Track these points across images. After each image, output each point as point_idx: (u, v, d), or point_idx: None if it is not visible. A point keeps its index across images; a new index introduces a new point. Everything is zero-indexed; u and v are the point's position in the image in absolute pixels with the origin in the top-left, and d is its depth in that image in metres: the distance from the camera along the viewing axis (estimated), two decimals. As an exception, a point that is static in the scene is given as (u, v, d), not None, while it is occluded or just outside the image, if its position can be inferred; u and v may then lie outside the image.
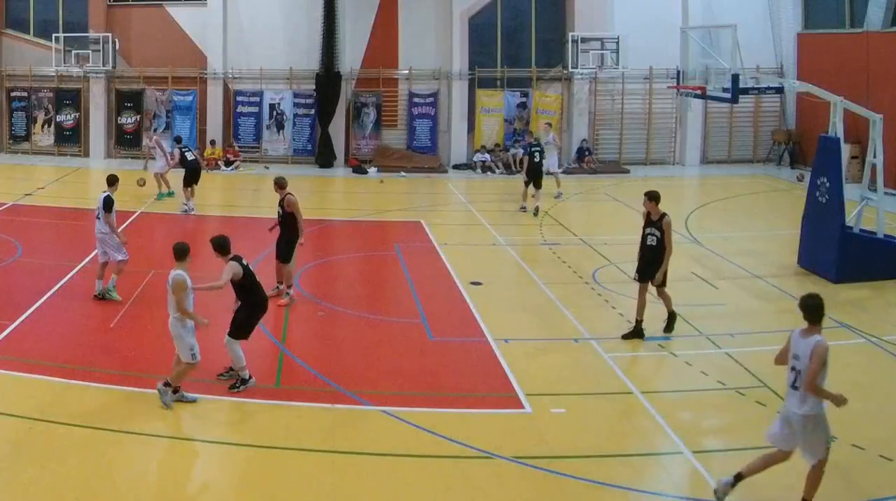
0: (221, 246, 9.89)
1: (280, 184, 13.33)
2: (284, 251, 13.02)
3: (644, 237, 11.52)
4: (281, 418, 9.16)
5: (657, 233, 11.30)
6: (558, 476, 7.92)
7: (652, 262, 11.40)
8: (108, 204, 12.83)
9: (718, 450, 8.68)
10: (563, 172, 26.07)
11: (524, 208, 19.98)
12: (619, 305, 13.02)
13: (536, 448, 8.44)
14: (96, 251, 13.27)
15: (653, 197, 11.39)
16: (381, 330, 12.10)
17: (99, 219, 12.94)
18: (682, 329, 11.98)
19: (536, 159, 19.64)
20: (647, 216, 11.51)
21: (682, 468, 8.25)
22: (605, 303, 13.22)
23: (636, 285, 11.56)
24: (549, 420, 9.12)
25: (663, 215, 11.32)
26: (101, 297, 12.80)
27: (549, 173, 21.05)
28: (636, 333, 11.52)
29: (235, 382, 9.70)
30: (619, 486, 7.80)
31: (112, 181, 13.26)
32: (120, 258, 12.95)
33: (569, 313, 12.64)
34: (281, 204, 13.17)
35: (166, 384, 9.25)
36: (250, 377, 9.73)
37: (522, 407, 9.44)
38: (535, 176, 19.55)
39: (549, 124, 23.40)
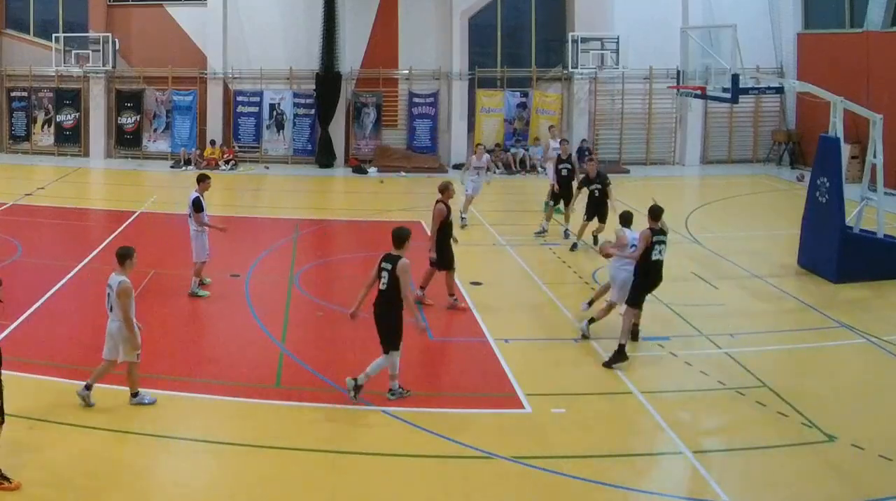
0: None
1: (440, 190, 13.02)
2: (440, 259, 12.85)
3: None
4: (281, 418, 9.16)
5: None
6: (558, 476, 7.92)
7: None
8: (196, 204, 12.98)
9: (718, 450, 8.68)
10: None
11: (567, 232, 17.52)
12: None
13: (536, 448, 8.44)
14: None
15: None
16: (381, 330, 12.08)
17: (190, 218, 13.14)
18: (682, 329, 12.00)
19: (564, 174, 17.30)
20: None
21: (682, 468, 8.25)
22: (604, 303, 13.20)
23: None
24: (549, 420, 9.12)
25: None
26: (193, 295, 13.12)
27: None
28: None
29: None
30: (619, 486, 7.80)
31: (199, 180, 13.35)
32: (198, 259, 13.15)
33: (569, 313, 12.63)
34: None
35: (87, 386, 9.12)
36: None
37: (522, 407, 9.44)
38: (565, 192, 17.29)
39: (552, 126, 23.29)
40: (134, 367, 9.18)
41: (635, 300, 10.90)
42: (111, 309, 9.09)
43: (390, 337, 9.36)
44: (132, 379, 9.23)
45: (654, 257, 10.71)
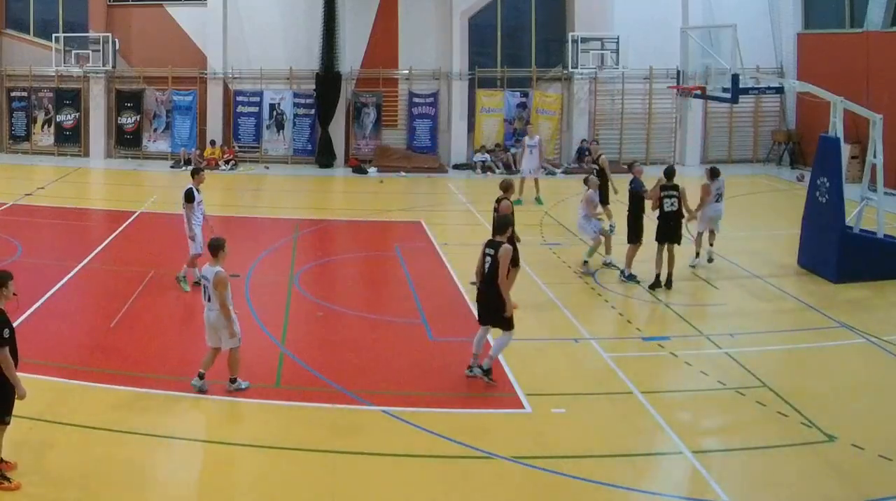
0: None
1: (502, 188, 13.10)
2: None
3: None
4: (281, 418, 9.16)
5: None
6: (558, 476, 7.92)
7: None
8: (187, 195, 13.25)
9: (718, 450, 8.68)
10: (563, 172, 26.18)
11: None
12: (618, 305, 13.03)
13: (536, 448, 8.44)
14: None
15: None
16: (381, 330, 12.10)
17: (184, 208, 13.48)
18: (682, 329, 12.00)
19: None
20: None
21: (682, 468, 8.25)
22: (605, 303, 13.21)
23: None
24: (549, 420, 9.12)
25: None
26: (177, 280, 13.47)
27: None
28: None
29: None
30: (619, 486, 7.80)
31: (193, 174, 13.78)
32: (191, 251, 13.34)
33: (569, 313, 12.63)
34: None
35: (200, 376, 9.50)
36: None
37: (522, 407, 9.44)
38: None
39: (529, 124, 23.37)
40: (235, 352, 9.50)
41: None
42: (209, 299, 9.45)
43: (503, 318, 9.94)
44: (232, 365, 9.54)
45: (667, 208, 13.51)
